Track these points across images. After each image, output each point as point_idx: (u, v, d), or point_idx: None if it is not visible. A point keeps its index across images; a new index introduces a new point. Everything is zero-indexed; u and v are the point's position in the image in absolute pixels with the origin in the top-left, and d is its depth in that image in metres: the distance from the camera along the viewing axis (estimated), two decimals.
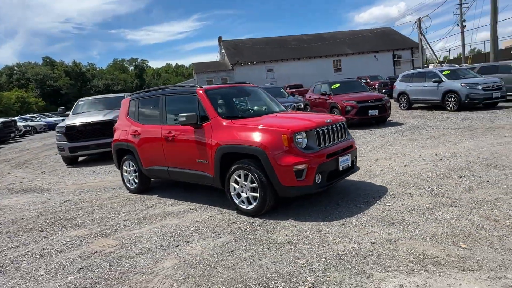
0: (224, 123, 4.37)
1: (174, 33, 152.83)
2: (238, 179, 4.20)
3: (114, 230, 4.16)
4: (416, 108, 14.55)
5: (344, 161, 4.28)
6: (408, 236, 3.20)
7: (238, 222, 4.00)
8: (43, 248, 3.83)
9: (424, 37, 24.81)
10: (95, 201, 5.58)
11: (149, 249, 3.53)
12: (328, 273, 2.70)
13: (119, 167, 6.10)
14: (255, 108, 5.42)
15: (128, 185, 5.93)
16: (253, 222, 3.94)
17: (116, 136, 5.98)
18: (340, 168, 4.21)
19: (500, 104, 12.64)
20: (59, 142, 9.23)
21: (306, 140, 3.97)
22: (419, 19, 23.92)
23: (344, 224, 3.64)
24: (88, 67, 75.30)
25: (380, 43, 34.98)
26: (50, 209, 5.37)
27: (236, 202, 4.27)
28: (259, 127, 4.10)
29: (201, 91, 4.76)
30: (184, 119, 4.50)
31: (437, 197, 4.17)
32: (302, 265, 2.86)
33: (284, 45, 35.40)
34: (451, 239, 3.06)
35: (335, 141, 4.32)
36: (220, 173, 4.34)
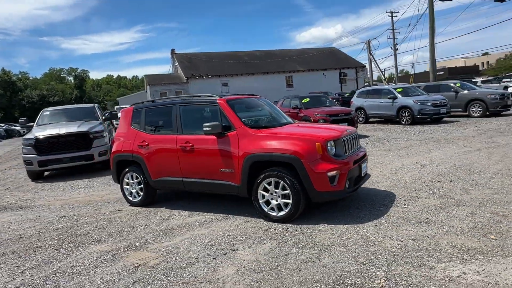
0: (252, 133, 4.49)
1: (114, 44, 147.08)
2: (268, 187, 4.32)
3: (144, 243, 4.01)
4: (373, 122, 15.76)
5: (364, 168, 4.63)
6: (441, 232, 3.58)
7: (272, 229, 4.10)
8: (73, 265, 3.57)
9: (373, 58, 27.11)
10: (98, 216, 5.26)
11: (197, 258, 3.49)
12: (393, 267, 2.94)
13: (118, 180, 5.83)
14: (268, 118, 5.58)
15: (130, 198, 5.69)
16: (287, 228, 4.07)
17: (116, 147, 5.73)
18: (362, 174, 4.55)
19: (445, 119, 14.21)
20: (26, 155, 8.46)
21: (334, 148, 4.24)
22: (369, 41, 26.19)
23: (376, 225, 3.94)
24: (20, 76, 69.06)
25: (327, 62, 37.19)
26: (49, 226, 4.96)
27: (265, 209, 4.37)
28: (291, 136, 4.29)
29: (222, 101, 4.83)
30: (209, 128, 4.53)
31: (442, 198, 4.67)
32: (364, 263, 3.08)
33: (237, 60, 36.02)
34: (479, 232, 3.50)
35: (354, 149, 4.66)
36: (248, 181, 4.42)
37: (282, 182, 4.19)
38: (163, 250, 3.77)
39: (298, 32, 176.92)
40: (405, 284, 2.67)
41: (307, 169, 4.02)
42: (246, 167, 4.38)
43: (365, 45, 26.51)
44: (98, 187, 7.45)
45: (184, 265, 3.37)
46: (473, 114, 14.55)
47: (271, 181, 4.28)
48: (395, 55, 46.41)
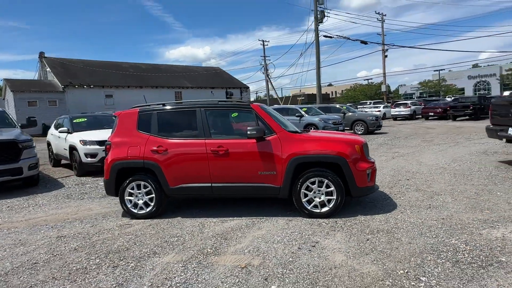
0: (293, 136, 4.84)
1: None
2: (311, 186, 4.72)
3: (215, 249, 3.85)
4: None
5: None
6: (453, 211, 4.69)
7: (323, 224, 4.51)
8: (166, 278, 3.22)
9: (270, 80, 29.57)
10: (111, 232, 4.59)
11: (293, 253, 3.64)
12: (457, 237, 3.81)
13: (116, 192, 5.17)
14: None
15: (135, 210, 5.12)
16: (336, 221, 4.55)
17: (117, 153, 5.12)
18: None
19: None
20: None
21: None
22: (266, 64, 28.49)
23: (402, 212, 4.81)
24: None
25: (214, 81, 38.51)
26: (63, 246, 4.10)
27: (308, 207, 4.74)
28: (332, 139, 4.85)
29: (256, 107, 5.02)
30: (254, 132, 4.68)
31: (419, 191, 5.92)
32: (434, 237, 3.85)
33: (122, 71, 33.77)
34: (476, 209, 4.74)
35: None
36: (291, 182, 4.73)
37: (326, 181, 4.67)
38: (248, 251, 3.74)
39: (167, 49, 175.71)
40: (480, 245, 3.55)
41: (352, 168, 4.63)
42: (290, 169, 4.69)
43: (263, 67, 28.92)
44: (51, 205, 6.26)
45: (290, 259, 3.48)
46: (357, 131, 17.70)
47: (314, 180, 4.70)
48: (266, 80, 51.39)
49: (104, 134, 8.93)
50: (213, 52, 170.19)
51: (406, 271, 3.11)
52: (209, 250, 3.81)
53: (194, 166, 4.94)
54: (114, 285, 3.13)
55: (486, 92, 55.05)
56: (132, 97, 31.26)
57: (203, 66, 43.67)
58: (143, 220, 5.00)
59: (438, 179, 6.69)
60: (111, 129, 9.72)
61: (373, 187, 4.90)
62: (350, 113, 18.73)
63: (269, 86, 31.21)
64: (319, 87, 23.15)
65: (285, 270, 3.25)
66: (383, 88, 47.61)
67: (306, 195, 4.75)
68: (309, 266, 3.31)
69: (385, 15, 42.91)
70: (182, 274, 3.28)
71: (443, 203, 5.12)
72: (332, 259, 3.43)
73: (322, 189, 4.70)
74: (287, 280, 3.06)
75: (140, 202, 5.11)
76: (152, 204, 5.08)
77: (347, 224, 4.42)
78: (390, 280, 2.96)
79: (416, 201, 5.30)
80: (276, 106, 19.48)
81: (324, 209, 4.72)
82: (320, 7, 21.81)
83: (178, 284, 3.09)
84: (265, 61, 51.73)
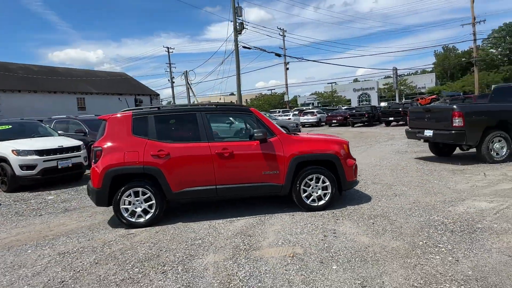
0: (291, 138, 5.28)
1: None
2: (309, 182, 5.22)
3: (250, 246, 4.01)
4: None
5: None
6: (422, 195, 5.72)
7: (325, 215, 5.02)
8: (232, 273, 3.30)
9: (190, 87, 28.94)
10: (116, 245, 4.30)
11: (323, 240, 4.05)
12: (445, 215, 4.74)
13: (110, 201, 4.82)
14: None
15: (132, 219, 4.85)
16: (333, 212, 5.11)
17: (111, 159, 4.79)
18: None
19: None
20: None
21: None
22: (186, 72, 27.88)
23: (379, 200, 5.65)
24: None
25: (122, 87, 36.17)
26: (78, 261, 3.71)
27: (307, 202, 5.21)
28: (324, 140, 5.43)
29: (256, 110, 5.31)
30: (260, 134, 4.97)
31: (380, 183, 6.95)
32: (422, 216, 4.72)
33: (9, 73, 29.20)
34: (443, 186, 5.88)
35: None
36: (292, 180, 5.14)
37: (322, 177, 5.22)
38: (282, 243, 4.01)
39: (50, 50, 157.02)
40: (456, 218, 4.52)
41: (343, 164, 5.28)
42: (292, 167, 5.11)
43: (183, 74, 28.26)
44: (5, 225, 5.39)
45: (326, 244, 3.89)
46: None
47: (313, 177, 5.21)
48: (172, 87, 50.57)
49: (43, 142, 7.99)
50: (107, 56, 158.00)
51: (424, 242, 3.82)
52: (245, 247, 3.96)
53: (198, 170, 4.95)
54: (209, 283, 3.08)
55: (367, 102, 63.87)
56: (24, 103, 27.48)
57: (107, 71, 40.56)
58: (144, 229, 4.78)
59: (382, 174, 7.87)
60: (48, 137, 8.79)
61: (357, 180, 5.64)
62: (273, 120, 19.89)
63: (191, 93, 30.83)
64: (239, 95, 24.01)
65: (330, 254, 3.65)
66: (286, 98, 51.39)
67: (305, 191, 5.21)
68: (347, 248, 3.78)
69: (285, 31, 46.33)
70: (241, 269, 3.40)
71: (403, 192, 6.15)
72: (360, 241, 3.96)
73: (319, 184, 5.23)
74: (341, 260, 3.47)
75: (139, 210, 4.87)
76: (152, 211, 4.89)
77: (345, 214, 5.03)
78: (418, 250, 3.62)
79: (381, 192, 6.23)
80: None
81: (321, 202, 5.25)
82: (239, 19, 22.79)
83: (246, 277, 3.21)
84: (170, 68, 50.85)
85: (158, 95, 38.70)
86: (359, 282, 3.03)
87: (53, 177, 8.02)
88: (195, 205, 5.76)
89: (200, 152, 4.96)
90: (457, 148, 9.63)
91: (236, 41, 22.96)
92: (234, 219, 5.04)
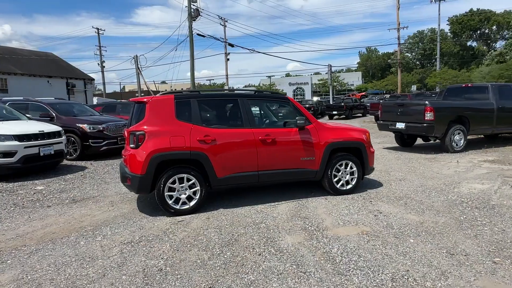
0: (324, 126, 5.55)
1: None
2: (339, 168, 5.57)
3: (317, 227, 4.22)
4: None
5: None
6: (422, 179, 6.45)
7: (356, 198, 5.42)
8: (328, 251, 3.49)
9: (141, 72, 26.92)
10: (181, 232, 4.17)
11: (378, 219, 4.44)
12: (458, 195, 5.46)
13: (153, 187, 4.60)
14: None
15: (176, 206, 4.70)
16: (361, 195, 5.55)
17: (156, 144, 4.56)
18: None
19: None
20: None
21: None
22: (137, 56, 25.82)
23: (391, 184, 6.25)
24: None
25: (51, 69, 32.57)
26: (168, 245, 3.53)
27: (337, 186, 5.57)
28: (351, 129, 5.80)
29: (292, 99, 5.46)
30: (302, 121, 5.16)
31: (378, 170, 7.60)
32: (440, 196, 5.39)
33: None
34: (430, 171, 6.67)
35: None
36: (326, 166, 5.44)
37: (350, 163, 5.62)
38: (344, 223, 4.29)
39: None
40: (468, 197, 5.27)
41: (367, 151, 5.74)
42: (326, 154, 5.41)
43: (133, 59, 26.08)
44: (17, 218, 4.80)
45: (385, 223, 4.28)
46: None
47: (342, 163, 5.57)
48: (102, 72, 47.28)
49: (21, 126, 7.09)
50: (17, 32, 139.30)
51: (464, 217, 4.43)
52: (313, 228, 4.15)
53: (243, 155, 4.97)
54: (316, 261, 3.19)
55: (302, 96, 66.79)
56: None
57: (32, 50, 36.08)
58: (191, 216, 4.67)
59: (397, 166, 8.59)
60: (21, 121, 7.75)
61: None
62: None
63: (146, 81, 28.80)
64: (193, 83, 23.40)
65: (396, 230, 4.03)
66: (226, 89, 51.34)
67: (335, 176, 5.55)
68: (405, 224, 4.20)
69: (227, 21, 45.83)
70: (331, 246, 3.60)
71: (404, 177, 6.85)
72: (410, 218, 4.42)
73: (347, 170, 5.61)
74: (411, 235, 3.87)
75: (183, 196, 4.73)
76: (197, 197, 4.79)
77: (372, 196, 5.50)
78: (466, 224, 4.20)
79: (384, 177, 6.86)
80: None
81: (348, 187, 5.64)
82: (193, 5, 22.09)
83: (344, 253, 3.43)
84: (100, 51, 47.31)
85: (93, 79, 35.71)
86: (444, 250, 3.46)
87: (35, 165, 7.17)
88: (220, 194, 5.72)
89: (245, 138, 4.97)
90: (418, 139, 10.88)
91: (190, 27, 22.28)
92: (274, 204, 5.17)
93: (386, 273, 3.03)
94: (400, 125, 9.96)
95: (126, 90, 69.27)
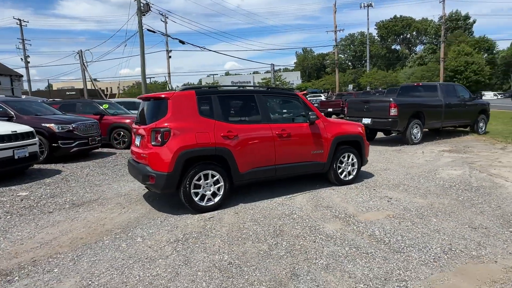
0: (329, 120, 5.88)
1: None
2: (342, 159, 5.95)
3: (345, 214, 4.51)
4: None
5: None
6: (408, 168, 7.13)
7: (359, 187, 5.86)
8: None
9: (86, 69, 24.50)
10: (217, 227, 4.17)
11: (392, 204, 4.88)
12: (451, 179, 6.16)
13: (179, 185, 4.51)
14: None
15: (202, 203, 4.66)
16: (362, 185, 6.01)
17: (183, 140, 4.48)
18: None
19: None
20: None
21: None
22: (81, 51, 23.41)
23: (383, 173, 6.82)
24: None
25: None
26: (210, 245, 3.52)
27: (341, 177, 5.95)
28: (349, 123, 6.21)
29: (301, 95, 5.69)
30: (314, 116, 5.44)
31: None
32: (439, 181, 6.04)
33: None
34: (410, 160, 7.39)
35: None
36: (332, 158, 5.79)
37: (352, 155, 6.04)
38: (367, 210, 4.65)
39: None
40: (459, 181, 6.00)
41: (365, 143, 6.21)
42: (333, 147, 5.75)
43: (77, 54, 23.64)
44: (39, 221, 4.37)
45: (402, 206, 4.73)
46: None
47: (345, 155, 5.97)
48: (27, 67, 43.22)
49: None
50: None
51: (462, 198, 5.06)
52: (343, 215, 4.44)
53: (262, 150, 5.08)
54: (368, 243, 3.43)
55: None
56: None
57: None
58: (219, 211, 4.67)
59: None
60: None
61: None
62: None
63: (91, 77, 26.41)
64: (144, 81, 22.32)
65: (415, 213, 4.49)
66: (168, 88, 50.01)
67: (339, 168, 5.92)
68: (419, 207, 4.69)
69: (167, 17, 44.52)
70: (372, 229, 3.91)
71: (387, 167, 7.49)
72: (419, 202, 4.94)
73: (349, 161, 6.02)
74: (431, 215, 4.35)
75: (208, 193, 4.71)
76: (221, 193, 4.80)
77: (372, 185, 5.97)
78: (467, 203, 4.82)
79: (372, 168, 7.42)
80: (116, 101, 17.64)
81: (350, 177, 6.06)
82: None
83: (388, 235, 3.76)
84: (23, 43, 43.14)
85: (21, 76, 32.21)
86: (467, 225, 3.98)
87: (9, 170, 6.44)
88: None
89: (263, 133, 5.08)
90: (378, 133, 11.86)
91: (140, 22, 21.28)
92: (289, 196, 5.36)
93: (435, 247, 3.42)
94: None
95: (54, 88, 63.54)
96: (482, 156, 8.33)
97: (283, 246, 3.54)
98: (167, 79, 50.74)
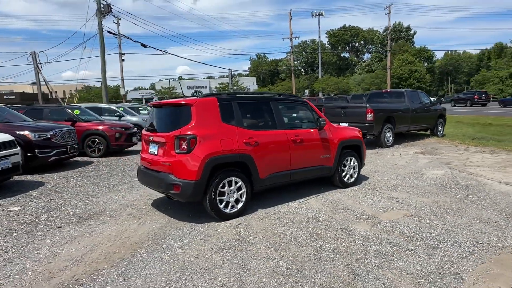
0: (335, 126, 6.13)
1: None
2: (346, 163, 6.22)
3: (366, 216, 4.74)
4: None
5: None
6: (396, 169, 7.59)
7: (362, 189, 6.17)
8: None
9: (40, 71, 22.31)
10: (253, 234, 4.17)
11: (401, 204, 5.22)
12: (441, 178, 6.66)
13: (205, 193, 4.45)
14: None
15: (226, 210, 4.64)
16: (363, 187, 6.33)
17: (210, 147, 4.43)
18: None
19: None
20: None
21: None
22: (35, 53, 21.24)
23: (378, 174, 7.22)
24: None
25: None
26: (262, 251, 3.52)
27: (345, 180, 6.21)
28: (349, 128, 6.51)
29: (309, 101, 5.86)
30: (324, 122, 5.66)
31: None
32: (430, 180, 6.52)
33: None
34: (397, 162, 7.89)
35: None
36: (338, 162, 6.03)
37: (353, 158, 6.34)
38: (382, 209, 4.92)
39: None
40: (451, 179, 6.54)
41: (363, 147, 6.55)
42: (339, 151, 6.00)
43: (31, 56, 21.41)
44: (53, 237, 4.04)
45: (413, 204, 5.07)
46: None
47: (348, 159, 6.24)
48: (36, 72, 39.56)
49: None
50: None
51: (459, 195, 5.53)
52: (365, 216, 4.66)
53: (279, 155, 5.17)
54: (403, 241, 3.63)
55: None
56: None
57: None
58: (241, 218, 4.67)
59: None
60: None
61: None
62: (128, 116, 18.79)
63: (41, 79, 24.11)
64: (105, 85, 21.19)
65: (427, 210, 4.84)
66: (122, 92, 48.07)
67: (343, 171, 6.19)
68: (427, 205, 5.06)
69: (120, 19, 42.75)
70: (398, 228, 4.16)
71: (377, 169, 7.92)
72: (423, 201, 5.32)
73: (351, 164, 6.31)
74: (442, 212, 4.72)
75: (232, 200, 4.69)
76: (244, 199, 4.80)
77: (372, 187, 6.30)
78: (467, 200, 5.29)
79: (365, 171, 7.70)
80: (85, 104, 16.59)
81: (351, 180, 6.35)
82: (104, 0, 20.06)
83: (415, 231, 4.03)
84: None
85: None
86: (478, 220, 4.39)
87: None
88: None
89: (280, 139, 5.18)
90: None
91: (100, 23, 20.26)
92: (302, 200, 5.49)
93: (464, 242, 3.74)
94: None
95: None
96: (452, 157, 9.12)
97: (328, 248, 3.65)
98: (120, 83, 48.58)
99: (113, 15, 35.28)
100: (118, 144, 10.62)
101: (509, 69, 58.03)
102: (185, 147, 4.37)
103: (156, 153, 4.78)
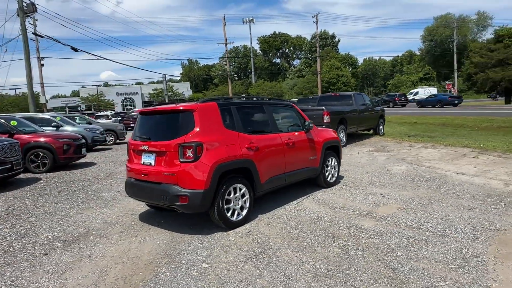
0: (317, 128, 6.30)
1: None
2: (328, 163, 6.45)
3: (366, 212, 4.96)
4: None
5: None
6: (377, 164, 8.05)
7: (347, 188, 6.44)
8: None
9: None
10: (270, 240, 4.10)
11: (392, 201, 5.58)
12: (424, 173, 7.20)
13: (213, 202, 4.26)
14: None
15: (233, 218, 4.50)
16: (345, 184, 6.62)
17: (217, 154, 4.26)
18: None
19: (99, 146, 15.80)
20: None
21: None
22: None
23: (347, 170, 7.58)
24: None
25: None
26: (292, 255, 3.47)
27: (328, 179, 6.43)
28: (330, 130, 6.76)
29: (294, 104, 5.95)
30: (311, 125, 5.83)
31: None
32: (408, 172, 7.03)
33: None
34: (376, 161, 8.38)
35: None
36: (323, 163, 6.22)
37: (334, 159, 6.60)
38: (375, 204, 5.20)
39: None
40: (426, 174, 7.13)
41: (340, 148, 6.85)
42: (323, 152, 6.21)
43: None
44: (69, 252, 3.49)
45: (408, 202, 5.43)
46: (108, 142, 17.19)
47: (329, 159, 6.48)
48: None
49: None
50: None
51: (433, 187, 6.08)
52: (364, 213, 4.87)
53: (276, 159, 5.17)
54: (412, 232, 3.86)
55: (132, 107, 63.49)
56: None
57: None
58: (247, 225, 4.57)
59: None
60: None
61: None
62: (98, 124, 17.52)
63: None
64: (31, 93, 18.89)
65: (414, 203, 5.23)
66: (43, 100, 43.75)
67: (327, 171, 6.40)
68: (415, 198, 5.45)
69: (37, 20, 38.75)
70: (402, 220, 4.43)
71: (344, 169, 8.33)
72: (405, 194, 5.74)
73: (333, 164, 6.56)
74: (427, 203, 5.14)
75: (237, 207, 4.56)
76: (248, 206, 4.71)
77: (355, 184, 6.61)
78: (441, 191, 5.83)
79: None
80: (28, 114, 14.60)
81: (333, 179, 6.60)
82: None
83: (418, 223, 4.33)
84: None
85: None
86: (462, 208, 4.87)
87: None
88: None
89: (276, 142, 5.18)
90: None
91: (23, 24, 18.10)
92: (295, 202, 5.56)
93: (463, 228, 4.13)
94: None
95: None
96: (403, 153, 9.98)
97: (352, 246, 3.74)
98: (40, 91, 44.11)
99: (31, 17, 32.01)
100: (66, 157, 9.61)
101: (418, 73, 65.63)
102: (191, 155, 4.13)
103: (153, 163, 4.43)
